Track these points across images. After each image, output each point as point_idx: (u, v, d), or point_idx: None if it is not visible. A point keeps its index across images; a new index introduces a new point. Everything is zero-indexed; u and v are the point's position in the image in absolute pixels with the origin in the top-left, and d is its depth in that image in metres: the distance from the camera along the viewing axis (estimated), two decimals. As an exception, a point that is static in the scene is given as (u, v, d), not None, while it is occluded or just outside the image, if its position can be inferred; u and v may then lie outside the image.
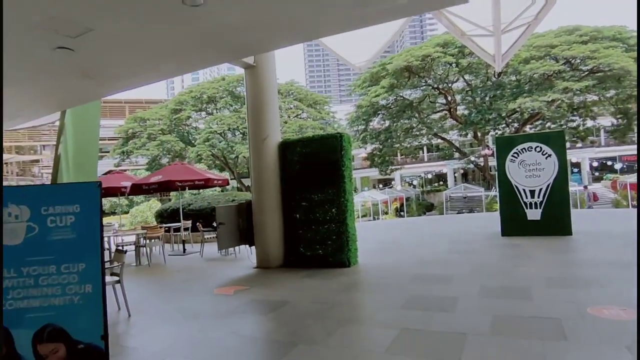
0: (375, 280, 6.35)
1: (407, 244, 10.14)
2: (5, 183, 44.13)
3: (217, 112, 42.41)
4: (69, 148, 9.97)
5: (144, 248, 9.16)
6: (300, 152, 7.72)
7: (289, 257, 7.81)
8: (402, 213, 37.78)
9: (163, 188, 10.09)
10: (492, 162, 37.13)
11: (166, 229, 12.03)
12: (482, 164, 36.03)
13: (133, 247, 9.39)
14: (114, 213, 41.62)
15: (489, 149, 34.28)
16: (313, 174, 7.54)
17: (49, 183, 9.69)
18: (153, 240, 9.58)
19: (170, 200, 30.12)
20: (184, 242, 10.86)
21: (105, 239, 9.57)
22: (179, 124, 44.87)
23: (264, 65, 7.86)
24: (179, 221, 11.69)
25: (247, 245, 8.16)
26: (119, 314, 5.18)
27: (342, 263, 7.25)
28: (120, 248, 5.53)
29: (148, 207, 27.78)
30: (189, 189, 10.70)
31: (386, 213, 36.57)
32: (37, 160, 52.25)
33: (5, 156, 47.56)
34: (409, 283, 5.92)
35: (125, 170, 23.83)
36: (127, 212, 36.58)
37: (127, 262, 9.56)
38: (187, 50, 6.00)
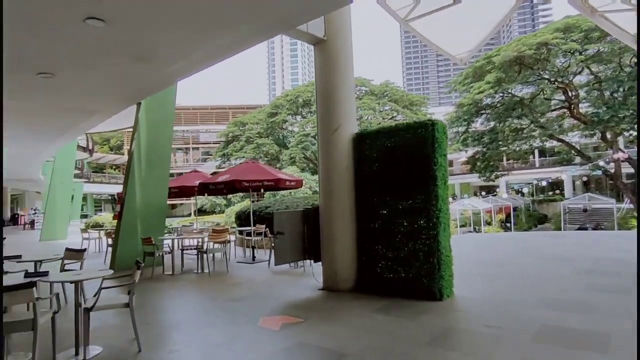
0: (479, 329, 4.41)
1: (522, 270, 7.79)
2: (114, 181, 49.21)
3: (311, 115, 42.37)
4: (142, 144, 9.59)
5: (207, 254, 8.28)
6: (379, 146, 6.07)
7: (363, 279, 6.20)
8: (507, 224, 33.34)
9: (229, 188, 9.20)
10: (626, 168, 30.87)
11: (243, 232, 11.26)
12: (612, 170, 30.03)
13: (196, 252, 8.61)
14: (213, 212, 44.05)
15: (622, 152, 28.44)
16: (396, 173, 5.85)
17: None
18: (217, 246, 8.69)
19: (260, 200, 30.37)
20: (253, 248, 9.87)
21: (169, 242, 8.95)
22: (275, 128, 45.97)
23: (337, 38, 6.39)
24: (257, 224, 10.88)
25: (312, 261, 6.75)
26: (130, 347, 4.09)
27: (431, 293, 5.42)
28: (138, 260, 4.45)
29: (240, 207, 28.24)
30: (253, 190, 9.67)
31: (489, 224, 32.57)
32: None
33: (114, 156, 53.49)
34: (534, 341, 3.90)
35: (216, 172, 24.33)
36: (223, 212, 38.21)
37: (189, 269, 8.90)
38: (234, 20, 4.85)
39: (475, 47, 9.52)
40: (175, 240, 8.99)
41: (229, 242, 10.13)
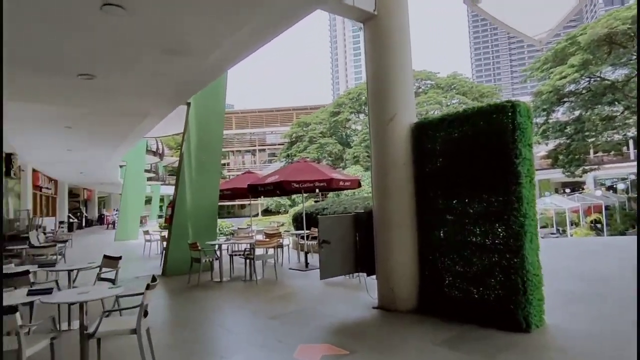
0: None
1: (633, 287, 6.20)
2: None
3: (373, 112, 40.98)
4: (192, 146, 9.30)
5: (254, 261, 7.70)
6: (445, 136, 5.00)
7: (427, 298, 5.17)
8: (598, 226, 29.42)
9: (278, 189, 8.56)
10: None
11: (300, 236, 10.63)
12: None
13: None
14: (279, 212, 44.55)
15: None
16: (466, 170, 4.76)
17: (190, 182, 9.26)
18: (266, 252, 8.09)
19: (323, 200, 29.85)
20: (306, 254, 9.15)
21: (220, 246, 8.52)
22: (338, 127, 45.43)
23: (390, 13, 5.42)
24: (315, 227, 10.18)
25: (365, 275, 5.83)
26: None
27: (514, 322, 4.27)
28: (155, 276, 3.86)
29: (300, 208, 27.86)
30: (305, 192, 8.94)
31: (576, 224, 29.01)
32: (227, 164, 59.82)
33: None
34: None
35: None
36: (287, 212, 38.37)
37: (238, 275, 8.40)
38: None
39: (557, 26, 8.00)
40: (228, 245, 8.54)
41: (280, 246, 9.54)
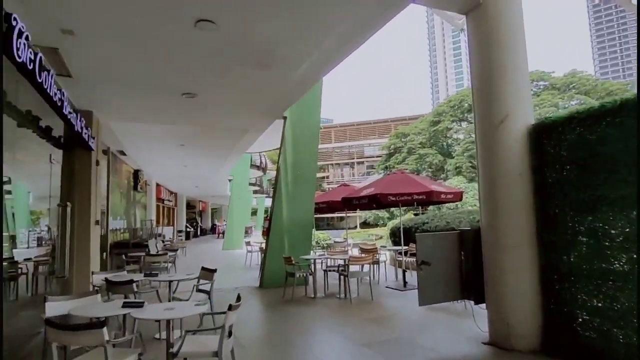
0: None
1: None
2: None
3: (478, 120, 38.31)
4: (288, 159, 9.37)
5: (348, 278, 7.30)
6: (574, 140, 4.09)
7: (553, 337, 4.24)
8: None
9: (374, 203, 8.08)
10: None
11: (398, 251, 10.01)
12: None
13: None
14: (377, 225, 43.83)
15: None
16: (604, 180, 3.80)
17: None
18: (362, 268, 7.66)
19: (422, 214, 28.48)
20: (404, 272, 8.49)
21: (314, 261, 8.33)
22: (438, 136, 43.43)
23: (499, 1, 4.69)
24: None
25: (473, 303, 5.03)
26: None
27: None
28: (240, 296, 3.68)
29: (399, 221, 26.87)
30: (403, 205, 8.32)
31: None
32: (326, 177, 61.27)
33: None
34: None
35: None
36: (385, 225, 37.48)
37: (333, 292, 8.08)
38: None
39: None
40: (322, 261, 8.32)
41: (377, 262, 9.04)
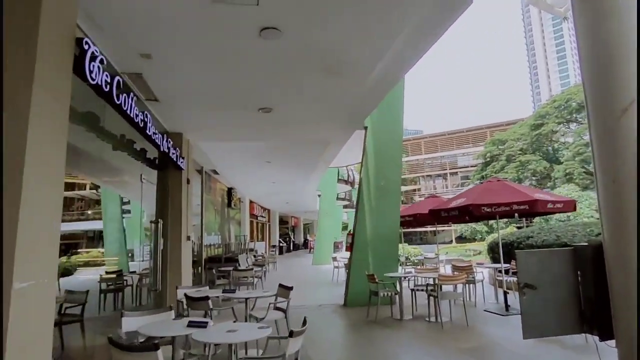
0: None
1: None
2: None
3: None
4: (370, 171, 8.98)
5: (438, 299, 6.55)
6: None
7: None
8: None
9: (466, 214, 7.23)
10: None
11: (498, 269, 8.89)
12: None
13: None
14: (474, 239, 40.79)
15: None
16: None
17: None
18: (455, 289, 6.87)
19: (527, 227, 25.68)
20: (505, 293, 7.43)
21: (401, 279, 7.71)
22: (542, 141, 39.36)
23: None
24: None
25: (596, 337, 4.03)
26: None
27: None
28: (305, 319, 3.34)
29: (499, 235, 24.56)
30: (500, 217, 7.32)
31: None
32: (417, 189, 59.33)
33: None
34: None
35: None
36: (483, 239, 34.63)
37: (422, 314, 7.35)
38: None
39: None
40: (410, 279, 7.69)
41: (472, 282, 8.11)
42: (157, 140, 5.82)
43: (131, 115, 4.55)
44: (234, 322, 4.98)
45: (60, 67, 2.91)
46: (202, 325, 3.23)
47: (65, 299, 5.73)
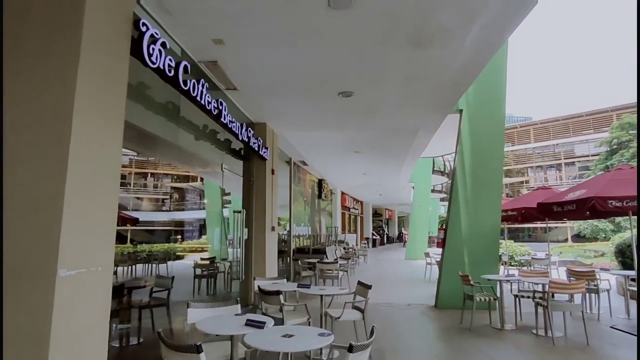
0: None
1: None
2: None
3: None
4: (466, 160, 8.07)
5: (548, 310, 5.48)
6: None
7: None
8: None
9: (586, 209, 5.92)
10: None
11: (630, 277, 7.32)
12: None
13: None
14: (596, 239, 35.64)
15: None
16: None
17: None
18: (571, 299, 5.72)
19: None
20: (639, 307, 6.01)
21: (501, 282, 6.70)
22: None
23: None
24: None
25: None
26: None
27: None
28: (372, 335, 2.83)
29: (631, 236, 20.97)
30: (634, 213, 5.85)
31: None
32: (525, 182, 54.12)
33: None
34: None
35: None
36: (608, 239, 29.95)
37: (528, 324, 6.26)
38: None
39: None
40: (511, 284, 6.67)
41: (595, 292, 6.77)
42: (234, 129, 5.75)
43: (202, 102, 4.47)
44: (308, 319, 4.69)
45: (114, 49, 2.82)
46: (260, 325, 2.94)
47: (155, 284, 6.02)
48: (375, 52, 4.86)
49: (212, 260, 9.84)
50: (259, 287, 4.79)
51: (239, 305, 3.77)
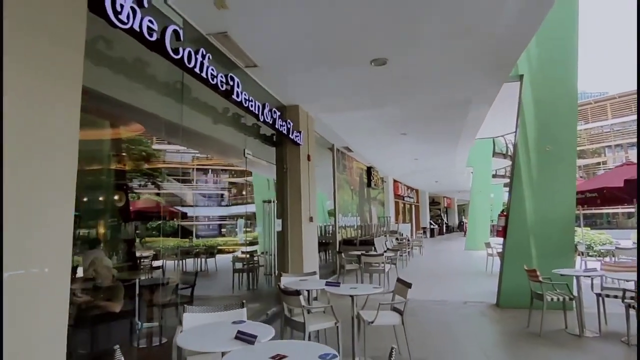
0: None
1: None
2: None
3: None
4: (530, 134, 6.91)
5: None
6: None
7: None
8: None
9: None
10: None
11: None
12: None
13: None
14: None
15: None
16: None
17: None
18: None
19: None
20: None
21: (579, 278, 5.52)
22: None
23: None
24: None
25: None
26: None
27: None
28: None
29: None
30: None
31: None
32: (602, 162, 49.28)
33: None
34: None
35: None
36: None
37: (613, 331, 5.06)
38: None
39: None
40: (589, 277, 5.50)
41: None
42: (252, 109, 5.15)
43: (204, 75, 3.89)
44: (336, 323, 4.01)
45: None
46: (250, 340, 2.30)
47: (181, 280, 5.66)
48: (408, 5, 3.99)
49: (251, 253, 9.46)
50: (278, 286, 4.18)
51: (244, 310, 3.17)
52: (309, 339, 4.18)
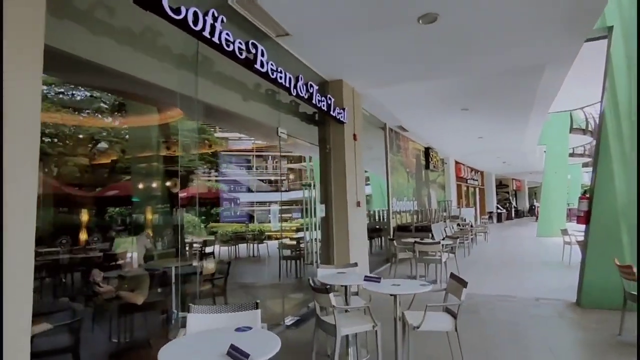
0: None
1: None
2: None
3: None
4: (620, 100, 5.75)
5: None
6: None
7: None
8: None
9: None
10: None
11: None
12: None
13: None
14: None
15: None
16: None
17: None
18: None
19: None
20: None
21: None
22: None
23: None
24: None
25: None
26: None
27: None
28: None
29: None
30: None
31: None
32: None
33: None
34: None
35: None
36: None
37: None
38: None
39: None
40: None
41: None
42: (282, 81, 4.59)
43: (216, 41, 3.38)
44: (374, 327, 3.41)
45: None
46: (242, 356, 1.80)
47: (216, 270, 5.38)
48: None
49: (298, 240, 9.07)
50: (308, 280, 3.65)
51: (258, 311, 2.68)
52: (346, 344, 3.64)
